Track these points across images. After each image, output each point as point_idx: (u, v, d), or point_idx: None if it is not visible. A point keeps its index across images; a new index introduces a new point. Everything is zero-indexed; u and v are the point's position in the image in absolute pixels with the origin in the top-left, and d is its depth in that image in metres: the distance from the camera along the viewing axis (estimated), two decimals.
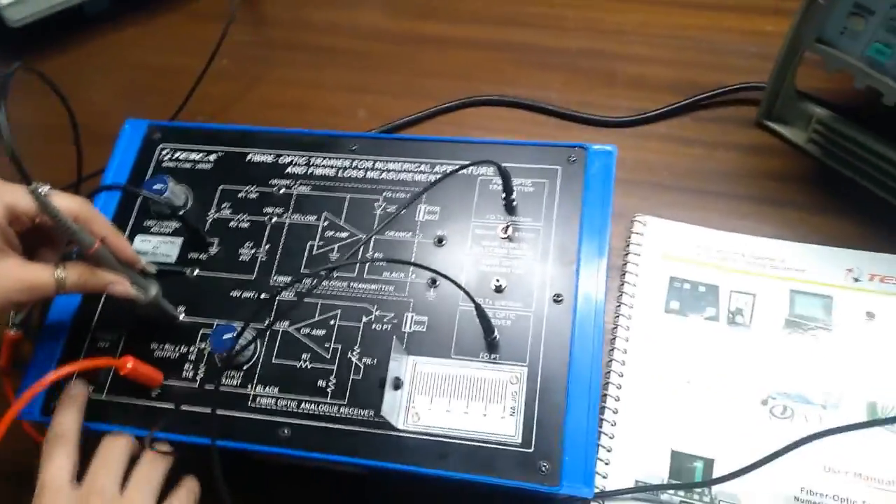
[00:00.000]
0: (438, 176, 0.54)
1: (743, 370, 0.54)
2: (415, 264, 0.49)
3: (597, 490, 0.51)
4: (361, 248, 0.52)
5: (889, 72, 0.48)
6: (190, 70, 0.75)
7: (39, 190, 0.42)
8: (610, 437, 0.53)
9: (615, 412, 0.54)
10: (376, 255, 0.51)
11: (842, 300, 0.56)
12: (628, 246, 0.60)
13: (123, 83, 0.80)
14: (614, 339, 0.56)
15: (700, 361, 0.55)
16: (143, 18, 0.84)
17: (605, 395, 0.54)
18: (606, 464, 0.52)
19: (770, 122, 0.63)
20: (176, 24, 0.84)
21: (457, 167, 0.51)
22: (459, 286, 0.43)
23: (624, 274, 0.59)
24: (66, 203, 0.44)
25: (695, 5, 0.72)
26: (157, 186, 0.54)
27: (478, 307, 0.44)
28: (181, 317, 0.52)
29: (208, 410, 0.48)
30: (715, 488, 0.51)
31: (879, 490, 0.49)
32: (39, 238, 0.47)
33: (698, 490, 0.51)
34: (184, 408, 0.48)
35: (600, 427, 0.53)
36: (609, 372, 0.55)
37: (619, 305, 0.58)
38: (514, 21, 0.75)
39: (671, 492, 0.51)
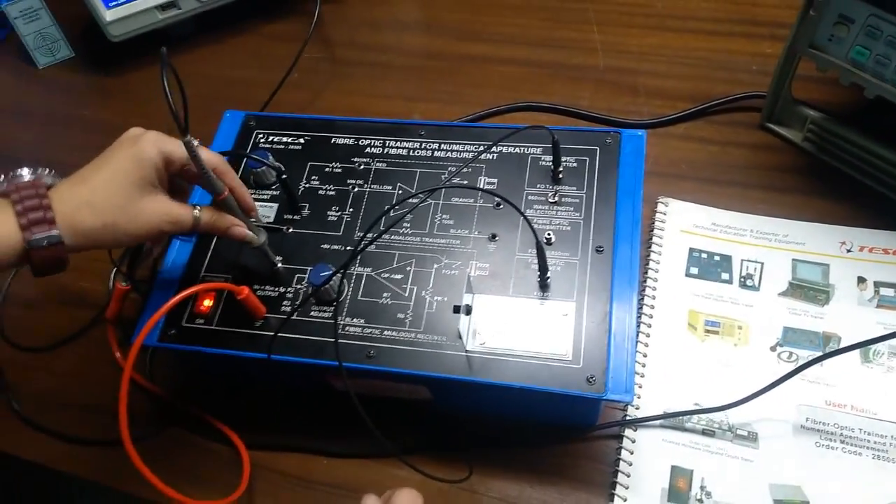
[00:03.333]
0: (494, 155, 0.64)
1: (754, 323, 0.64)
2: (485, 190, 0.60)
3: (629, 417, 0.60)
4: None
5: (868, 69, 0.59)
6: (261, 82, 0.87)
7: (193, 142, 0.52)
8: (641, 377, 0.62)
9: (645, 356, 0.63)
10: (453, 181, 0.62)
11: (837, 267, 0.65)
12: (653, 223, 0.70)
13: (202, 92, 0.91)
14: (643, 298, 0.66)
15: (717, 316, 0.64)
16: (219, 39, 0.97)
17: (637, 341, 0.63)
18: (638, 397, 0.61)
19: (771, 125, 0.74)
20: (249, 44, 0.96)
21: (513, 131, 0.61)
22: (523, 214, 0.53)
23: (650, 246, 0.69)
24: (207, 156, 0.54)
25: (705, 31, 0.84)
26: (260, 157, 0.64)
27: (538, 245, 0.54)
28: (279, 265, 0.61)
29: (304, 336, 0.57)
30: (732, 418, 0.59)
31: (873, 420, 0.58)
32: (176, 186, 0.57)
33: (717, 420, 0.59)
34: (285, 334, 0.57)
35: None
36: (639, 325, 0.64)
37: (647, 271, 0.67)
38: (547, 43, 0.87)
39: (695, 420, 0.59)
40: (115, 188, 0.51)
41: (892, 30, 0.56)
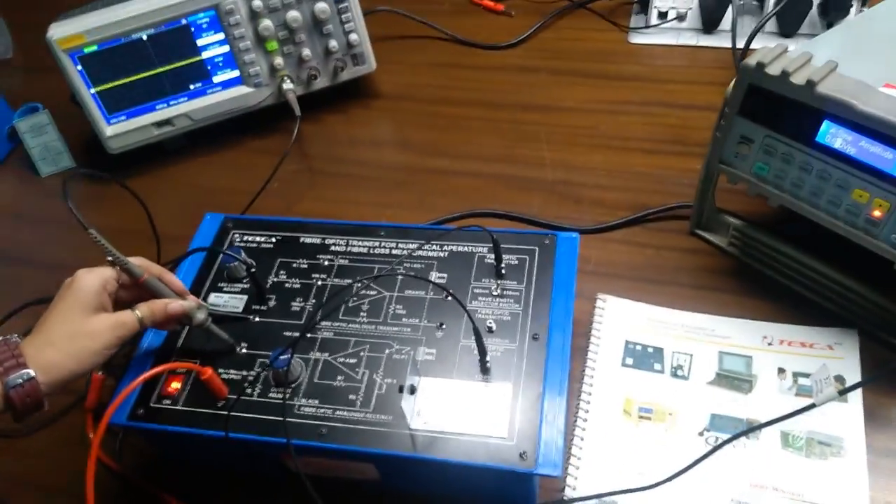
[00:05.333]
0: (446, 253, 0.72)
1: (684, 410, 0.68)
2: (432, 282, 0.67)
3: (566, 498, 0.63)
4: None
5: (770, 182, 0.68)
6: (245, 191, 0.95)
7: (96, 235, 0.60)
8: (578, 459, 0.66)
9: (582, 439, 0.67)
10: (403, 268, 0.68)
11: (759, 359, 0.71)
12: (592, 318, 0.76)
13: (191, 198, 1.00)
14: (581, 385, 0.71)
15: (650, 403, 0.69)
16: (210, 152, 1.06)
17: (575, 426, 0.68)
18: (575, 479, 0.65)
19: (699, 231, 0.83)
20: (236, 157, 1.06)
21: (454, 230, 0.69)
22: (464, 306, 0.59)
23: (589, 338, 0.74)
24: (133, 260, 0.63)
25: (642, 150, 0.94)
26: (233, 253, 0.71)
27: (476, 330, 0.60)
28: (244, 350, 0.67)
29: (262, 416, 0.62)
30: (661, 501, 0.63)
31: (793, 499, 0.62)
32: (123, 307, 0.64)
33: (647, 502, 0.63)
34: (244, 414, 0.62)
35: (570, 451, 0.66)
36: (577, 410, 0.69)
37: (586, 361, 0.73)
38: (503, 159, 0.97)
39: (626, 502, 0.63)
40: (65, 323, 0.59)
41: (784, 148, 0.65)
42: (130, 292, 0.64)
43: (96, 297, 0.61)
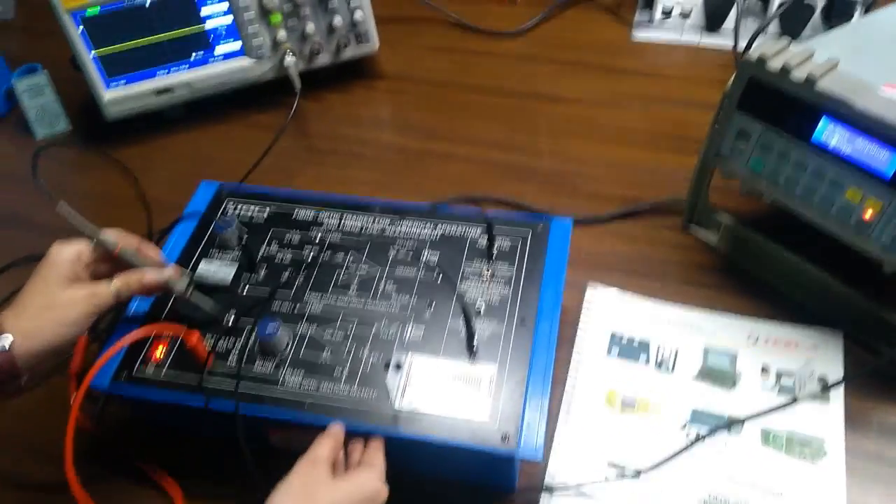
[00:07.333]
0: (439, 234, 0.72)
1: (666, 403, 0.69)
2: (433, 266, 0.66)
3: (546, 485, 0.64)
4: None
5: (765, 177, 0.68)
6: (242, 163, 0.95)
7: (65, 206, 0.61)
8: (560, 447, 0.66)
9: (564, 426, 0.67)
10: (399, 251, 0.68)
11: (743, 356, 0.72)
12: (581, 307, 0.76)
13: (187, 168, 0.99)
14: (566, 373, 0.71)
15: (633, 395, 0.69)
16: (209, 124, 1.05)
17: (558, 414, 0.68)
18: (556, 466, 0.65)
19: (691, 227, 0.83)
20: (234, 130, 1.05)
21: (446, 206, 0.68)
22: (455, 286, 0.59)
23: (576, 327, 0.75)
24: (111, 232, 0.63)
25: (640, 144, 0.95)
26: (226, 221, 0.71)
27: (465, 311, 0.60)
28: (230, 320, 0.66)
29: (246, 384, 0.62)
30: (641, 492, 0.63)
31: (770, 496, 0.62)
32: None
33: (627, 493, 0.63)
34: (227, 384, 0.62)
35: (552, 439, 0.66)
36: (561, 398, 0.69)
37: (572, 349, 0.73)
38: (501, 146, 0.97)
39: (607, 492, 0.63)
40: (40, 294, 0.60)
41: (781, 144, 0.66)
42: (109, 265, 0.64)
43: (70, 268, 0.61)
